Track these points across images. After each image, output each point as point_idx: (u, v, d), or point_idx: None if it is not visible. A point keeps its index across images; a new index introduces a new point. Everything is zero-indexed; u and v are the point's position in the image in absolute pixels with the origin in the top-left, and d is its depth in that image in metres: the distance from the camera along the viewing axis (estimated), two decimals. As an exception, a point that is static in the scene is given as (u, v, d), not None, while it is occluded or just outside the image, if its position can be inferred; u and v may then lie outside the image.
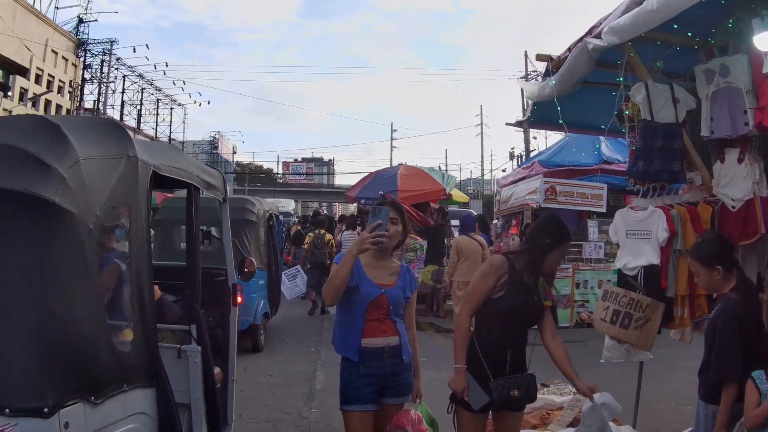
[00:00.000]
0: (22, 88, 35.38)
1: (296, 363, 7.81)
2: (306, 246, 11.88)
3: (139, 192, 2.62)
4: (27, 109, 35.70)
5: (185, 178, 3.19)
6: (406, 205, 10.14)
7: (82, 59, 42.43)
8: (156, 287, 3.42)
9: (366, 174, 15.15)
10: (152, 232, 9.49)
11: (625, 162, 12.15)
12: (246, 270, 4.98)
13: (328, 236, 12.11)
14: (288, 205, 33.64)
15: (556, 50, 4.73)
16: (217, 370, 3.73)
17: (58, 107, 39.35)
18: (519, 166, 13.37)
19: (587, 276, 10.94)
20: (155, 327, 2.71)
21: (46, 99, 37.70)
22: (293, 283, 10.62)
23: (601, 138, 12.13)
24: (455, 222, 13.07)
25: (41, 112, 37.68)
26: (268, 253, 8.79)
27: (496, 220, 13.25)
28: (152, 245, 3.60)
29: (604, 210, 11.01)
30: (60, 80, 39.42)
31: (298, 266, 11.31)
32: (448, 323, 10.46)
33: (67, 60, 40.08)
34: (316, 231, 12.06)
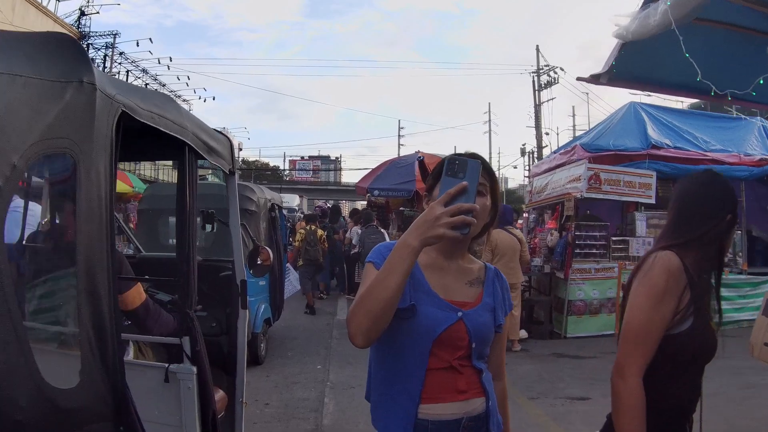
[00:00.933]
0: (19, 81, 34.14)
1: (299, 386, 6.41)
2: (298, 243, 11.20)
3: (94, 136, 1.66)
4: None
5: (176, 132, 2.28)
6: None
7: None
8: (139, 285, 2.74)
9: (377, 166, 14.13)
10: (136, 222, 8.07)
11: (675, 147, 10.95)
12: (260, 262, 4.04)
13: (320, 232, 11.35)
14: (292, 200, 32.42)
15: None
16: (219, 393, 3.09)
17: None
18: (554, 152, 11.87)
19: (634, 276, 9.57)
20: (118, 346, 1.74)
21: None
22: (286, 281, 9.81)
23: (645, 119, 10.81)
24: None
25: (39, 106, 36.50)
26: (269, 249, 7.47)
27: (527, 214, 11.86)
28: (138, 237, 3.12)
29: (653, 201, 9.65)
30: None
31: (287, 264, 10.55)
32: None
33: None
34: (308, 227, 11.26)
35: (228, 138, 3.08)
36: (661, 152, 9.99)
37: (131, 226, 10.86)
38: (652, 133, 10.31)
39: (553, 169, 10.08)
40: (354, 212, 14.12)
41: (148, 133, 2.13)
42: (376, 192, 11.96)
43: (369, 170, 13.88)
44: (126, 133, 1.86)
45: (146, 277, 3.14)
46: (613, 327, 9.47)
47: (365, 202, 14.64)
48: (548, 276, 9.55)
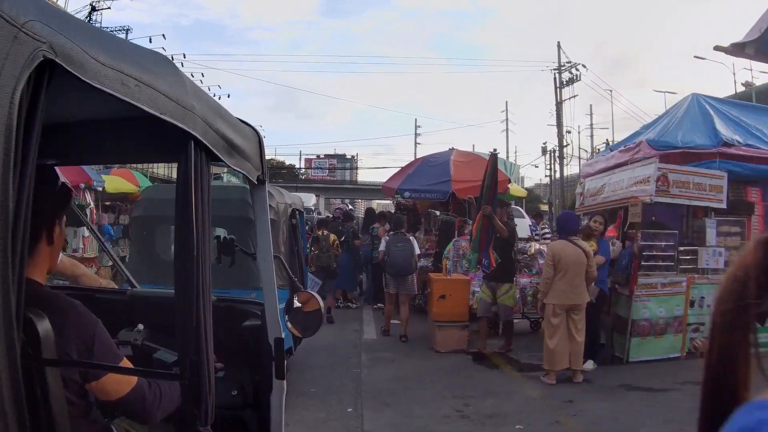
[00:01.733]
0: (30, 78, 33.38)
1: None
2: (314, 250, 10.57)
3: None
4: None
5: (175, 118, 1.35)
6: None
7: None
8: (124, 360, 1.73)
9: (405, 164, 12.82)
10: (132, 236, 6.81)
11: (746, 145, 9.69)
12: (303, 310, 2.63)
13: (332, 237, 10.58)
14: (308, 199, 30.84)
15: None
16: None
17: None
18: (610, 149, 10.59)
19: (704, 291, 8.31)
20: None
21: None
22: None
23: (711, 113, 9.55)
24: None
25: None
26: (291, 264, 6.34)
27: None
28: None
29: (724, 206, 8.41)
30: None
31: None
32: (529, 357, 7.94)
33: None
34: (320, 232, 10.68)
35: (256, 131, 2.10)
36: (733, 150, 8.72)
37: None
38: (721, 128, 9.04)
39: (611, 169, 8.84)
40: (381, 215, 13.00)
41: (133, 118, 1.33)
42: (407, 194, 10.77)
43: (384, 170, 12.85)
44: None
45: (131, 367, 1.91)
46: (679, 349, 8.26)
47: (383, 201, 13.63)
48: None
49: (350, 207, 18.13)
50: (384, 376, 7.01)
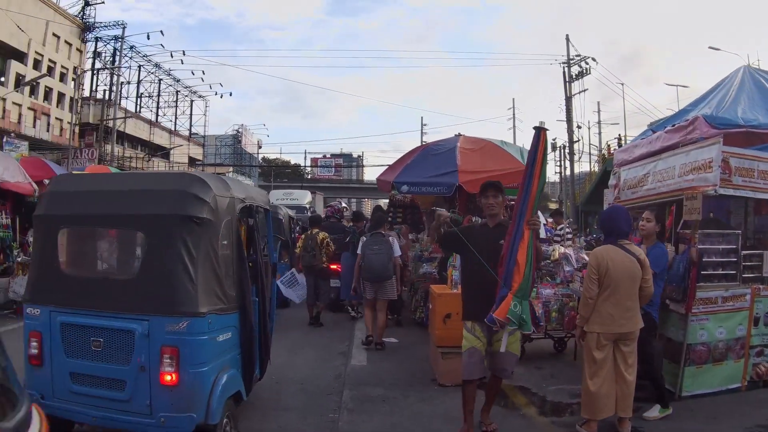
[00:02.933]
0: (18, 74, 32.07)
1: None
2: (298, 249, 10.48)
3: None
4: (23, 96, 32.50)
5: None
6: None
7: (92, 46, 39.56)
8: None
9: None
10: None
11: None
12: None
13: (322, 235, 10.09)
14: (302, 197, 28.20)
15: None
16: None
17: (60, 95, 36.08)
18: (652, 128, 8.83)
19: (770, 306, 6.66)
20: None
21: (46, 86, 34.42)
22: (294, 289, 9.78)
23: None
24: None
25: (40, 99, 34.49)
26: (241, 279, 4.71)
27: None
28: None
29: (794, 199, 6.71)
30: (63, 66, 36.15)
31: (293, 270, 10.13)
32: (556, 392, 6.28)
33: (71, 45, 36.77)
34: (309, 231, 10.35)
35: None
36: (803, 131, 7.04)
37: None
38: (783, 104, 7.37)
39: (656, 154, 7.10)
40: (358, 215, 11.35)
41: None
42: (404, 188, 8.84)
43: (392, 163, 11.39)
44: None
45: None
46: (740, 378, 6.58)
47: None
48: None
49: (344, 205, 16.38)
50: (369, 426, 5.29)
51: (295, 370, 7.06)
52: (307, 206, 25.72)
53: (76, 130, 36.23)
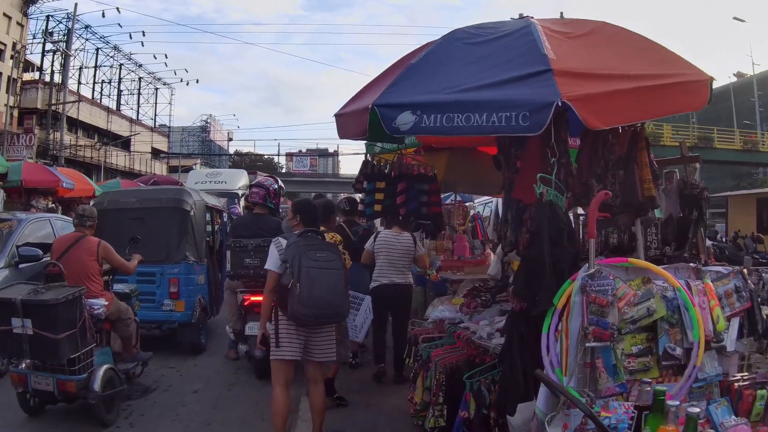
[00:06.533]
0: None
1: None
2: None
3: None
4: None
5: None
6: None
7: (40, 25, 35.55)
8: None
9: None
10: None
11: None
12: None
13: (332, 237, 5.54)
14: (233, 179, 21.29)
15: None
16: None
17: (-4, 74, 31.84)
18: None
19: None
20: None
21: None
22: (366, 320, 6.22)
23: None
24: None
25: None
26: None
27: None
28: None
29: None
30: (0, 42, 31.90)
31: (368, 297, 6.21)
32: None
33: (10, 18, 32.54)
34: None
35: None
36: None
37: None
38: None
39: None
40: (352, 204, 7.33)
41: None
42: (406, 119, 3.17)
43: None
44: None
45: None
46: None
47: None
48: None
49: (279, 185, 8.14)
50: None
51: None
52: (239, 192, 19.38)
53: (15, 113, 32.16)
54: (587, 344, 2.57)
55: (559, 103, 2.87)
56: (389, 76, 3.78)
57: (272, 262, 4.27)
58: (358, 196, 7.09)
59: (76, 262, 5.22)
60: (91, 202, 9.46)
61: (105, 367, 4.93)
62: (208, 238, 8.10)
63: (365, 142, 6.00)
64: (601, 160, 3.69)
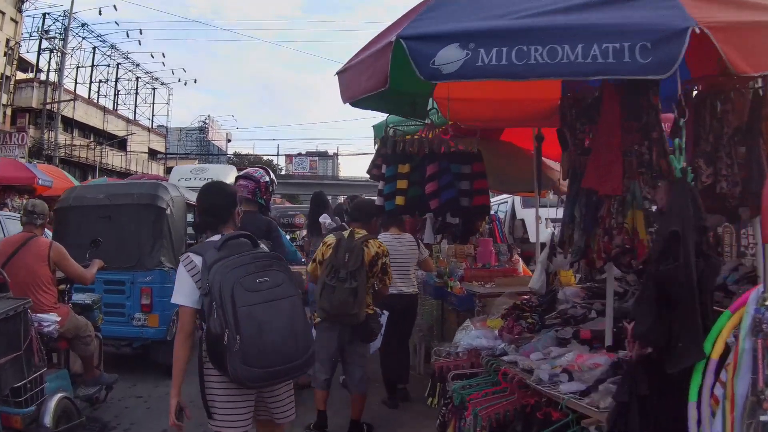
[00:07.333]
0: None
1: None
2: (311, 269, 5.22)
3: None
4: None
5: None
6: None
7: (36, 22, 34.77)
8: None
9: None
10: None
11: None
12: None
13: (375, 246, 4.74)
14: (221, 175, 14.01)
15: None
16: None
17: (-12, 71, 30.94)
18: None
19: None
20: None
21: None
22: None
23: None
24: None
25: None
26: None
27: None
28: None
29: None
30: (-8, 38, 30.97)
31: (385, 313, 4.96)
32: None
33: (3, 13, 31.63)
34: (341, 233, 5.17)
35: None
36: None
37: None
38: None
39: None
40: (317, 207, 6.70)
41: None
42: (452, 56, 2.10)
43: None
44: None
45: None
46: None
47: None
48: None
49: (271, 177, 5.12)
50: None
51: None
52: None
53: (8, 112, 31.22)
54: (762, 417, 1.57)
55: (697, 31, 1.85)
56: (407, 17, 2.65)
57: (184, 293, 2.84)
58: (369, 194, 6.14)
59: (24, 269, 4.32)
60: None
61: (58, 396, 4.03)
62: (189, 242, 6.88)
63: (374, 124, 4.99)
64: (710, 134, 2.66)
